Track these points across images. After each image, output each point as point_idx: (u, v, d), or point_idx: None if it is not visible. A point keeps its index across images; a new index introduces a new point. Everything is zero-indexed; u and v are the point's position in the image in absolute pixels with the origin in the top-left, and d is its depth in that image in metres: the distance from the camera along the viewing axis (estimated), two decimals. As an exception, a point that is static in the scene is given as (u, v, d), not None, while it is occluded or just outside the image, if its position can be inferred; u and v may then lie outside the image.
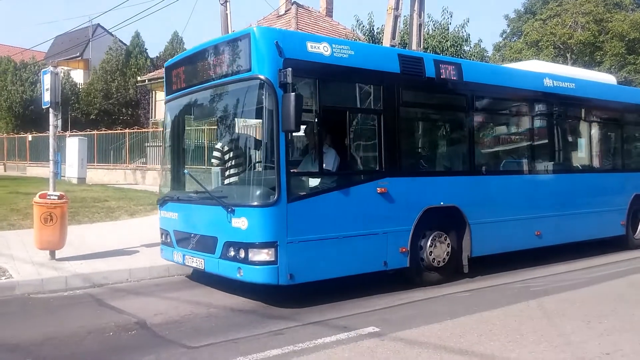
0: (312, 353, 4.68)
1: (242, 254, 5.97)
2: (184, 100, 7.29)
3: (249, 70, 6.06)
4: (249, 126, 7.39)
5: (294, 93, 5.74)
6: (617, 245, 10.09)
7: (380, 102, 6.89)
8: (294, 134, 6.09)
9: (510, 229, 8.12)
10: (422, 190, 7.18)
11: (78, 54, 40.14)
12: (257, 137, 6.54)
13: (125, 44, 36.33)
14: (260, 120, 6.51)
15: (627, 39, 32.06)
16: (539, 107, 9.09)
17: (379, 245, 6.66)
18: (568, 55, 33.51)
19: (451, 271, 7.47)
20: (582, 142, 10.11)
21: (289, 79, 5.79)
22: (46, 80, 8.32)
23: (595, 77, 10.93)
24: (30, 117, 32.08)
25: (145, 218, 12.43)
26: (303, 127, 6.34)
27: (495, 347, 4.83)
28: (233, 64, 6.42)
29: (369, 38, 18.45)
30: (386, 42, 12.05)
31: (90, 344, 5.05)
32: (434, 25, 18.73)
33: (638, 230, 10.51)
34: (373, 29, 18.59)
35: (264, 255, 5.85)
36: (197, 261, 6.63)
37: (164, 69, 8.19)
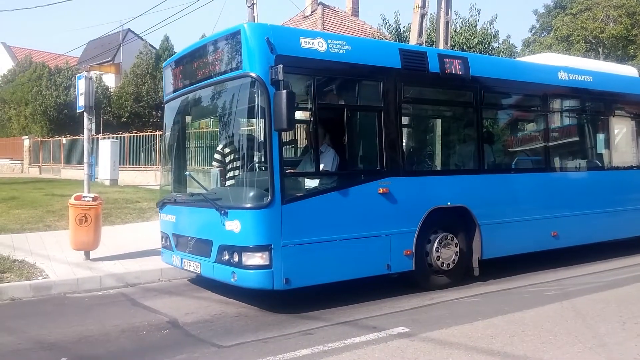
0: (342, 353, 4.68)
1: (235, 257, 5.80)
2: (181, 100, 7.18)
3: (240, 67, 5.92)
4: (245, 126, 7.33)
5: (285, 90, 5.55)
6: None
7: (381, 98, 6.63)
8: (293, 133, 5.93)
9: (523, 229, 7.77)
10: (427, 190, 6.93)
11: (109, 59, 40.88)
12: (251, 137, 6.38)
13: (155, 48, 36.83)
14: (254, 120, 6.41)
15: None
16: (553, 102, 8.73)
17: (381, 247, 6.42)
18: (600, 49, 32.72)
19: (460, 274, 7.18)
20: (602, 137, 9.57)
21: (281, 76, 5.63)
22: (80, 85, 8.51)
23: (616, 70, 10.49)
24: (64, 121, 32.77)
25: (175, 219, 12.57)
26: (304, 126, 6.20)
27: (528, 349, 4.76)
28: (225, 61, 6.28)
29: (395, 37, 18.34)
30: (413, 40, 11.95)
31: (124, 343, 5.16)
32: (461, 22, 18.51)
33: None
34: (399, 27, 18.47)
35: (258, 259, 5.66)
36: (194, 265, 6.50)
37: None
